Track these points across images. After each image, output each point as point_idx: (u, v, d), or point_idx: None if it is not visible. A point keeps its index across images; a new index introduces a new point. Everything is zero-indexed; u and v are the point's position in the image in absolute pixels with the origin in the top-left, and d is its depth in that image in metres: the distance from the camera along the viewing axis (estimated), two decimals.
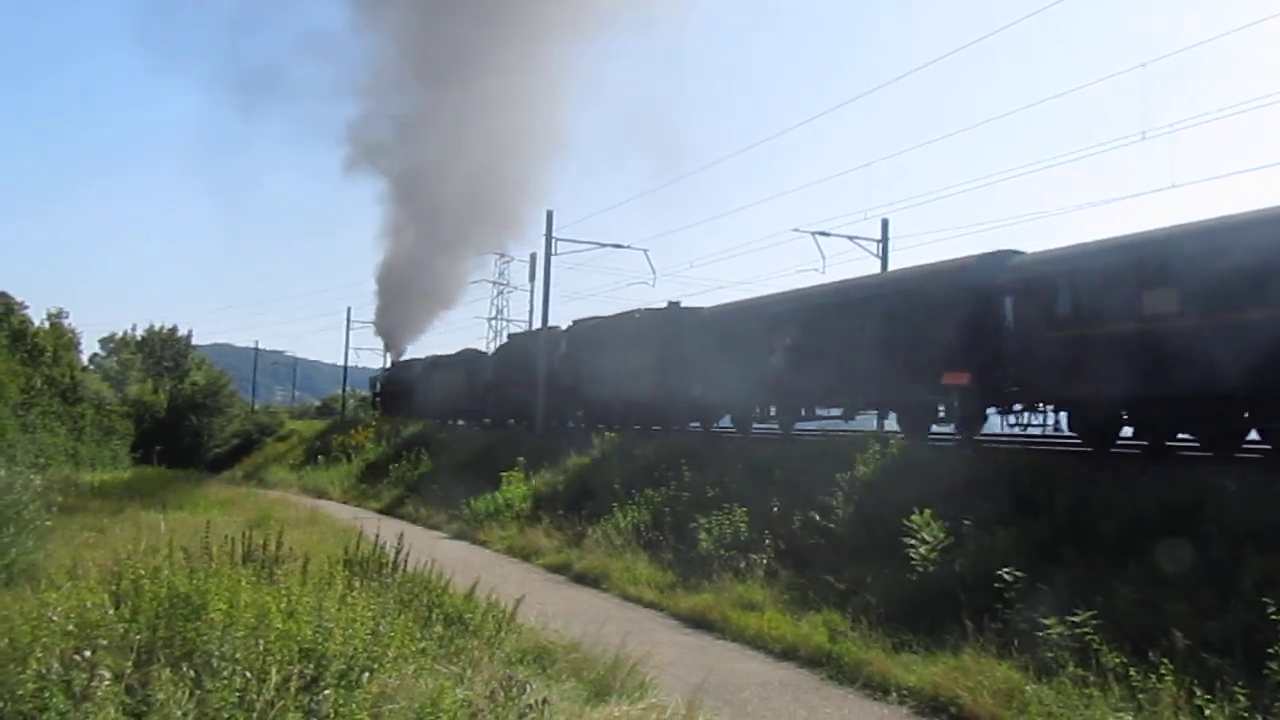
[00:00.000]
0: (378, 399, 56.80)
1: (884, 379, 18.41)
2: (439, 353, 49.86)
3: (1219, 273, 12.49)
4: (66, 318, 64.34)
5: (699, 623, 13.33)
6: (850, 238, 29.77)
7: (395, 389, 53.24)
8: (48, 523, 13.79)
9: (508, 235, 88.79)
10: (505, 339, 50.49)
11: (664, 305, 27.22)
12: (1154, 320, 13.55)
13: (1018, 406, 16.62)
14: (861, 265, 30.16)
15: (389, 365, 61.10)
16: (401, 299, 64.68)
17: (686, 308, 26.44)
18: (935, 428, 18.42)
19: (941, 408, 17.73)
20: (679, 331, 25.09)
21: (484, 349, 48.24)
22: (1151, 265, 13.76)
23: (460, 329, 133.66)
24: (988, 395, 16.77)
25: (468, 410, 41.82)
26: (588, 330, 30.62)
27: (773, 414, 22.52)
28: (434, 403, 44.63)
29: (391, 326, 64.97)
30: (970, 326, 16.58)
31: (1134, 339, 13.85)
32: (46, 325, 61.39)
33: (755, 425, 23.35)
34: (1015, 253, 16.92)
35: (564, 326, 33.10)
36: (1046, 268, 15.63)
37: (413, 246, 66.48)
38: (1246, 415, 13.43)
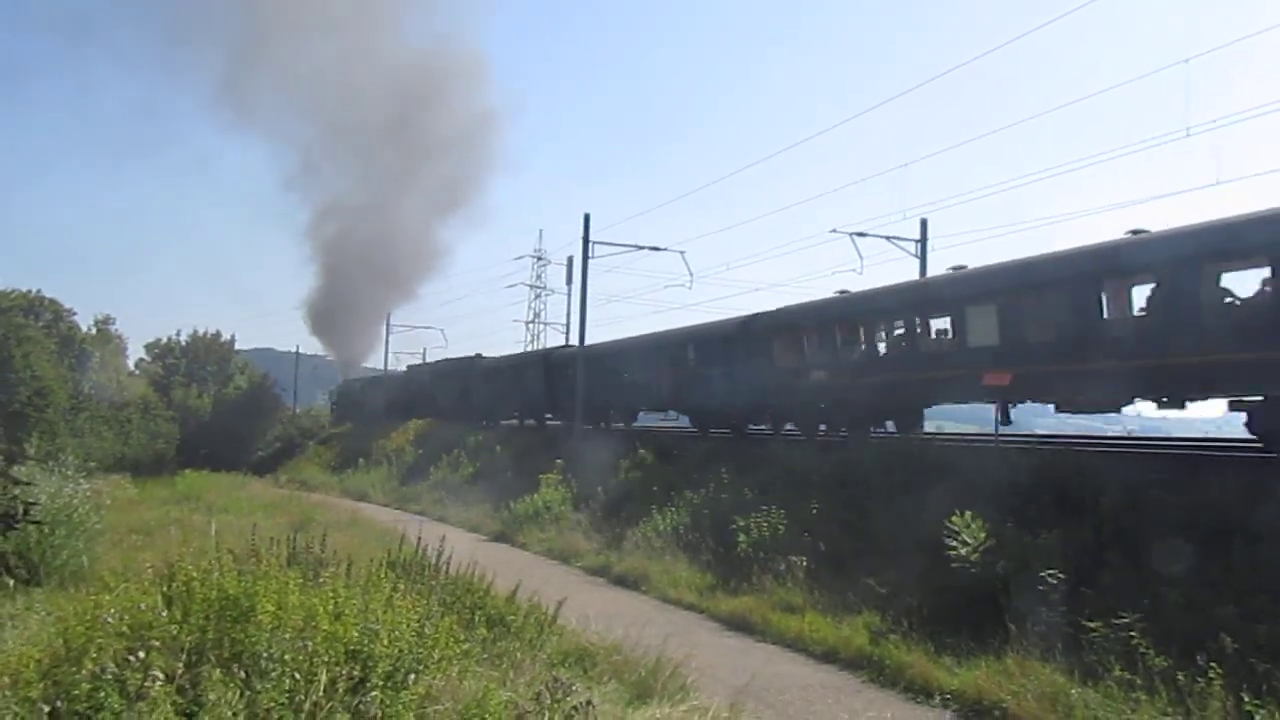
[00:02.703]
0: (334, 408, 68.59)
1: (526, 404, 38.92)
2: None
3: (624, 361, 32.07)
4: (114, 324, 65.61)
5: (740, 625, 13.34)
6: (888, 238, 29.62)
7: (344, 400, 66.24)
8: (96, 525, 14.07)
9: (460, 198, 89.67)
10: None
11: (472, 355, 46.86)
12: (610, 379, 31.82)
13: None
14: (900, 266, 30.36)
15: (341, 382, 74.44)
16: (347, 283, 70.78)
17: (483, 356, 46.09)
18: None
19: (532, 420, 39.19)
20: (482, 372, 44.20)
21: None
22: (610, 358, 32.42)
23: (499, 332, 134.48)
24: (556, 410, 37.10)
25: (386, 415, 51.91)
26: (440, 367, 50.77)
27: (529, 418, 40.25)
28: (365, 411, 57.27)
29: (342, 331, 74.89)
30: (545, 381, 36.62)
31: (607, 387, 31.98)
32: (94, 331, 62.52)
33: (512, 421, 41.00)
34: (566, 347, 38.27)
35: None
36: (563, 358, 36.32)
37: (354, 210, 72.24)
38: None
